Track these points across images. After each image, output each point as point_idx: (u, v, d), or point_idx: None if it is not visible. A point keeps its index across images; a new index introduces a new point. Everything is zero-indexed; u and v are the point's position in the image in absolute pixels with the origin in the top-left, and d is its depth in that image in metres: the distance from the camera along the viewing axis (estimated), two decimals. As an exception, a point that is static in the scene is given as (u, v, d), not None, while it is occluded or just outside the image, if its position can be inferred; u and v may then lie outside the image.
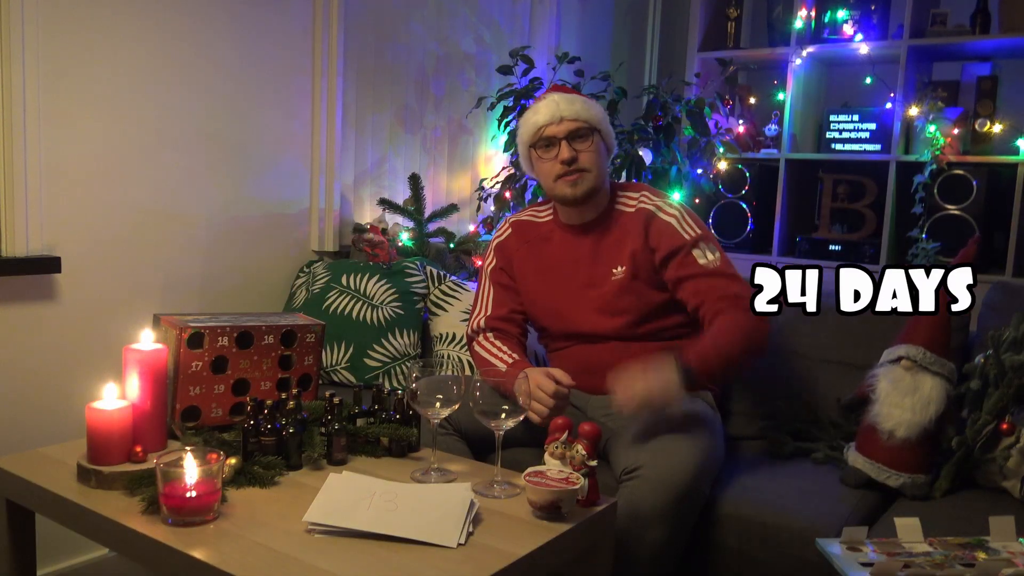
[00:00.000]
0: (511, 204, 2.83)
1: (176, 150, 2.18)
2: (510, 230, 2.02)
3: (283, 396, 1.54)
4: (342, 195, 2.63)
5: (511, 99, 2.77)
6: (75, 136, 1.97)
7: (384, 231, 2.62)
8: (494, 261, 2.02)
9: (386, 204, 2.66)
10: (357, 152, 2.68)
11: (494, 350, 1.90)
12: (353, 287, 2.35)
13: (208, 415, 1.64)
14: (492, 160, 3.14)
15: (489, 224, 2.89)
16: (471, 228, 2.98)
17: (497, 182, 2.93)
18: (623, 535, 1.52)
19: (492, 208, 2.91)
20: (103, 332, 2.06)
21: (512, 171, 2.86)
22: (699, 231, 1.83)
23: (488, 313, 1.96)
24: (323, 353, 2.08)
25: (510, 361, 1.85)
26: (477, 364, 1.94)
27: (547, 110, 1.84)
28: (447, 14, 2.92)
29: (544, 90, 2.05)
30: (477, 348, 1.94)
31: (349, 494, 1.34)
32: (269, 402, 1.50)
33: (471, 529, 1.27)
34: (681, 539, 1.59)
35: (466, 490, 1.38)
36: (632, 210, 1.88)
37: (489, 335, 1.93)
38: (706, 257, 1.81)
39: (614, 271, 1.85)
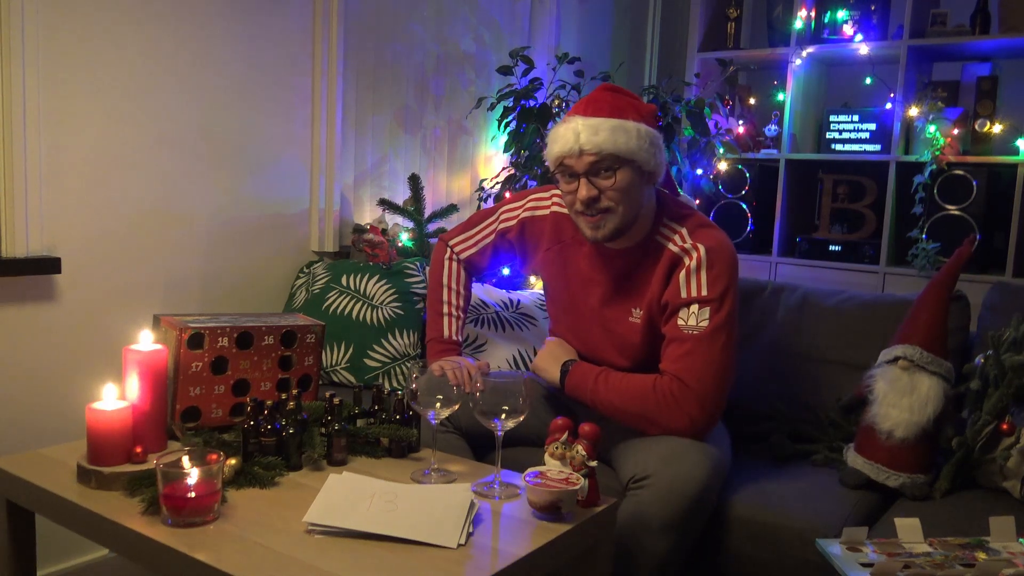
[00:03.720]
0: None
1: (176, 150, 2.18)
2: (549, 218, 1.87)
3: (283, 396, 1.53)
4: (342, 195, 2.62)
5: (511, 99, 2.77)
6: (75, 136, 1.97)
7: (384, 231, 2.61)
8: (513, 230, 1.92)
9: (386, 204, 2.65)
10: (357, 152, 2.68)
11: (453, 284, 1.97)
12: (353, 287, 2.35)
13: (208, 415, 1.64)
14: (492, 160, 3.14)
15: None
16: (471, 228, 2.98)
17: (497, 182, 2.92)
18: (629, 544, 1.51)
19: (492, 208, 2.91)
20: (103, 332, 2.06)
21: (512, 171, 2.86)
22: (703, 293, 1.65)
23: (472, 253, 1.98)
24: (323, 353, 2.08)
25: (455, 315, 1.94)
26: (432, 266, 2.00)
27: (564, 141, 1.63)
28: (447, 14, 2.92)
29: (589, 90, 1.85)
30: (445, 262, 1.98)
31: (349, 494, 1.34)
32: (269, 402, 1.50)
33: (471, 529, 1.27)
34: (688, 547, 1.58)
35: (466, 490, 1.38)
36: (672, 248, 1.70)
37: (456, 265, 1.99)
38: (692, 320, 1.64)
39: (633, 312, 1.74)
